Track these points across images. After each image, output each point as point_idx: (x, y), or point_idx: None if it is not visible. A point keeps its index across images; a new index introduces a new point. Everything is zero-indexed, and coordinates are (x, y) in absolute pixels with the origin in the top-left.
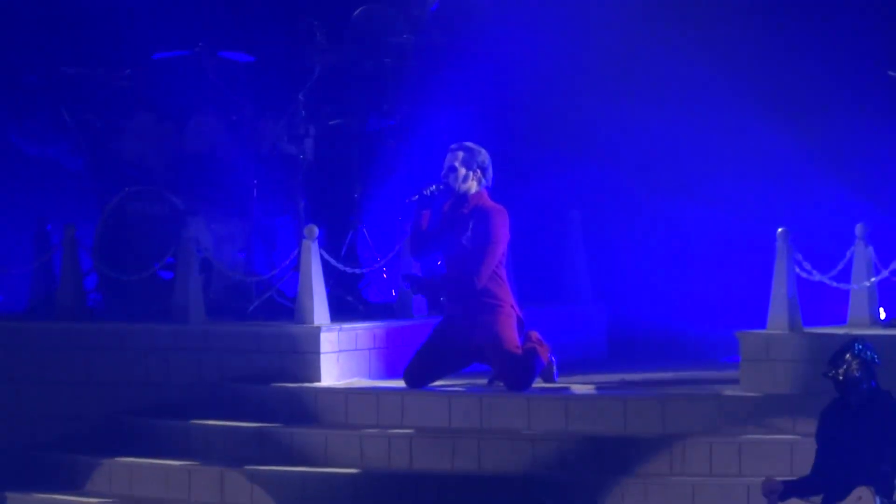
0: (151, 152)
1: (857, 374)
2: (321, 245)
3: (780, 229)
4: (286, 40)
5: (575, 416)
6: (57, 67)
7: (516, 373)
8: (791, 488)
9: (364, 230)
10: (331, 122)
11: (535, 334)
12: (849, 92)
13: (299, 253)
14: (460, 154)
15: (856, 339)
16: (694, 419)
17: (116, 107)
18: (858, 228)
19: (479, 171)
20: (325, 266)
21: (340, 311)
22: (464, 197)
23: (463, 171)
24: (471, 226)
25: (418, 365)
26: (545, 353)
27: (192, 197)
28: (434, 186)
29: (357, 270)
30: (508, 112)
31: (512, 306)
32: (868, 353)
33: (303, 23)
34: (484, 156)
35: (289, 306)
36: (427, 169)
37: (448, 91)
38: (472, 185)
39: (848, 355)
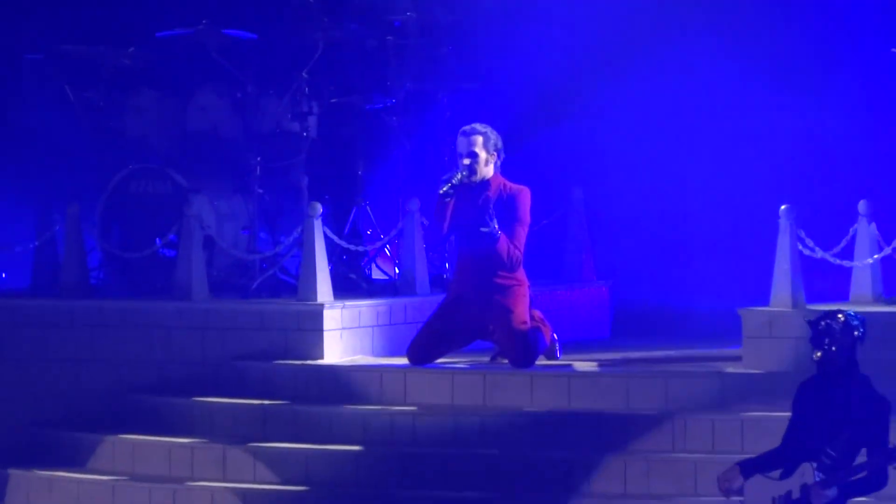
0: (154, 130)
1: (837, 329)
2: (324, 222)
3: (783, 206)
4: (289, 18)
5: (577, 394)
6: (60, 45)
7: (522, 350)
8: (752, 465)
9: (367, 208)
10: (334, 100)
11: (537, 313)
12: (853, 67)
13: (303, 230)
14: (479, 139)
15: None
16: (696, 397)
17: (120, 85)
18: (861, 205)
19: (495, 153)
20: (329, 243)
21: (344, 288)
22: (483, 181)
23: (484, 154)
24: (498, 210)
25: (423, 342)
26: (548, 333)
27: (195, 175)
28: (461, 174)
29: (360, 248)
30: (511, 89)
31: (528, 286)
32: (857, 321)
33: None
34: (498, 137)
35: (292, 284)
36: (429, 147)
37: (451, 68)
38: (490, 169)
39: (840, 315)
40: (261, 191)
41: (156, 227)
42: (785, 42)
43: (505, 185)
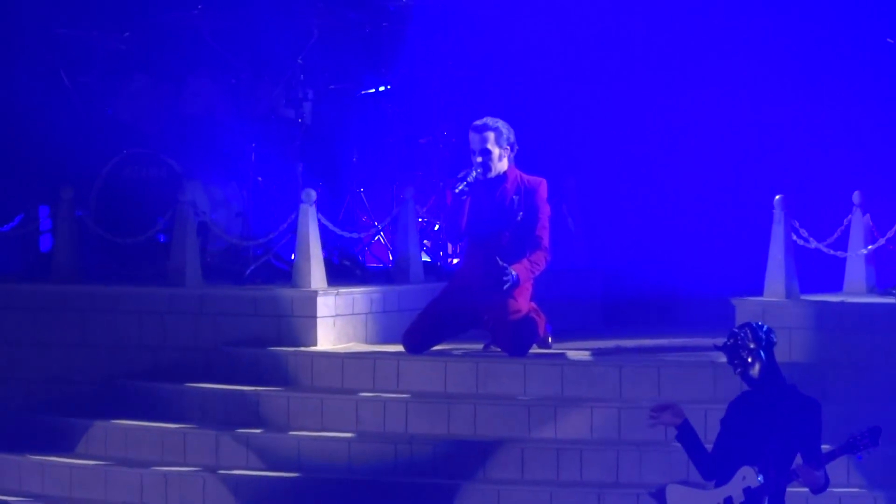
0: (149, 115)
1: (746, 343)
2: (319, 209)
3: (777, 196)
4: (284, 3)
5: (570, 383)
6: (55, 29)
7: (517, 338)
8: (689, 436)
9: (362, 194)
10: (329, 86)
11: (532, 304)
12: (849, 56)
13: (297, 217)
14: (491, 135)
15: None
16: (689, 386)
17: (114, 69)
18: (855, 196)
19: (508, 147)
20: (323, 230)
21: (337, 275)
22: (499, 175)
23: (497, 150)
24: (518, 201)
25: (420, 329)
26: (542, 324)
27: (189, 160)
28: (474, 172)
29: (355, 234)
30: (505, 76)
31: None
32: (763, 331)
33: None
34: (510, 130)
35: (286, 270)
36: (424, 134)
37: (446, 54)
38: (504, 163)
39: (747, 329)
40: (255, 177)
41: (150, 212)
42: (780, 30)
43: (521, 177)
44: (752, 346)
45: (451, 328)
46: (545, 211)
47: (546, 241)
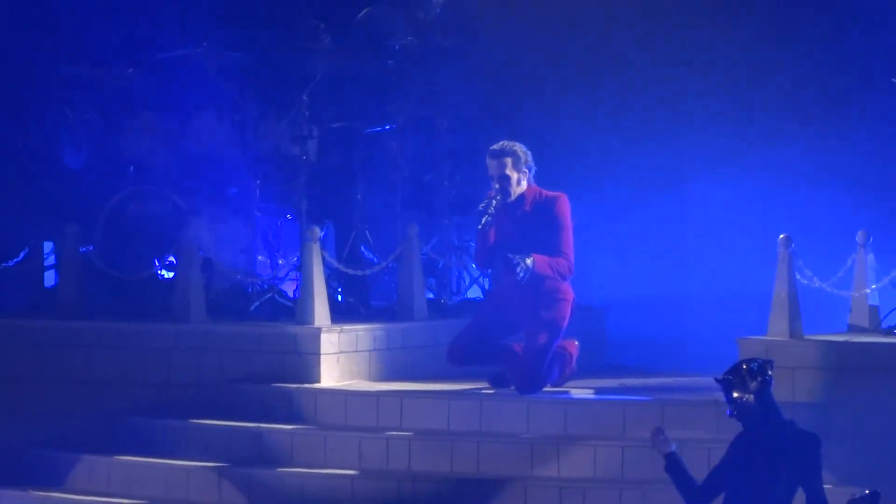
0: (154, 152)
1: (741, 381)
2: (323, 246)
3: (781, 236)
4: (290, 41)
5: (574, 421)
6: (60, 66)
7: (531, 375)
8: (676, 467)
9: (366, 232)
10: (334, 124)
11: (574, 343)
12: (852, 96)
13: (301, 254)
14: (509, 160)
15: (754, 358)
16: (693, 424)
17: (120, 106)
18: (859, 236)
19: (526, 170)
20: (327, 267)
21: (341, 312)
22: (519, 197)
23: (515, 175)
24: (538, 221)
25: (464, 341)
26: (571, 364)
27: (193, 197)
28: (494, 201)
29: (359, 272)
30: (509, 113)
31: (572, 301)
32: (756, 367)
33: (307, 24)
34: (527, 153)
35: (290, 307)
36: (428, 171)
37: (450, 93)
38: (524, 185)
39: (743, 366)
40: (260, 214)
41: (154, 248)
42: (784, 71)
43: (540, 193)
44: (744, 394)
45: (487, 350)
46: (566, 224)
47: (568, 250)
